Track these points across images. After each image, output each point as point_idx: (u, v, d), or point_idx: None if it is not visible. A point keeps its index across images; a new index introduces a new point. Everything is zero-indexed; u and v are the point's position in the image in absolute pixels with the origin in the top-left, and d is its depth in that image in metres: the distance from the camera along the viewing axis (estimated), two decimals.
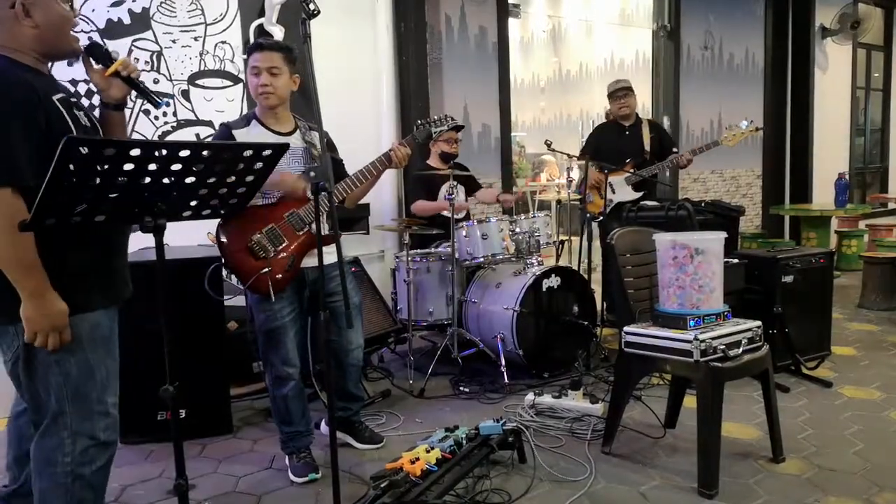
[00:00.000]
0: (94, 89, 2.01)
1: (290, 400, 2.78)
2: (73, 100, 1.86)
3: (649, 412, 3.23)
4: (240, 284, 2.70)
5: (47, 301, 1.70)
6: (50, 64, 1.94)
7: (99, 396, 1.85)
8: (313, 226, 2.65)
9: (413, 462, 2.42)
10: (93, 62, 1.90)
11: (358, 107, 4.88)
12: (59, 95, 1.80)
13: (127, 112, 2.00)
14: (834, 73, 8.37)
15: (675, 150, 5.00)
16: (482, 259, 3.98)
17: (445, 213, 4.03)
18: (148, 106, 4.07)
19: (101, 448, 1.87)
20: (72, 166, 1.46)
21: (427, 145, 4.46)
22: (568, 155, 4.81)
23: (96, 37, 3.93)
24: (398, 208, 5.09)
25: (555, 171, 9.25)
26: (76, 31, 1.90)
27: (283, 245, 2.67)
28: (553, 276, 3.95)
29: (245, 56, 2.58)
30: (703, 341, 2.50)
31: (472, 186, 4.66)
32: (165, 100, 3.92)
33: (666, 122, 6.95)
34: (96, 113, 2.01)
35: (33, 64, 1.81)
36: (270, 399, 2.86)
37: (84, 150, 1.45)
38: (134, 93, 1.95)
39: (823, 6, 8.03)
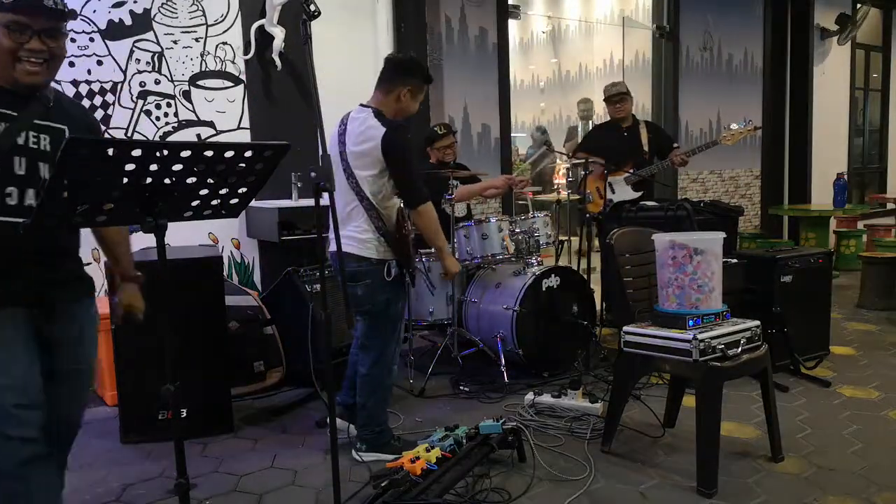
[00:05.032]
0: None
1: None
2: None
3: (648, 411, 3.24)
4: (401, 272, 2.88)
5: None
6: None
7: None
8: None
9: (413, 461, 2.43)
10: None
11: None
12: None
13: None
14: (832, 73, 8.38)
15: (675, 145, 4.97)
16: (482, 259, 3.99)
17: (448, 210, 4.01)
18: (149, 106, 4.09)
19: (13, 444, 1.80)
20: (73, 167, 1.46)
21: (425, 149, 4.46)
22: (568, 155, 4.82)
23: (98, 38, 3.94)
24: None
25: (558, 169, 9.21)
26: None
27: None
28: (553, 275, 3.95)
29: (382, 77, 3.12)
30: (702, 341, 2.51)
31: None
32: None
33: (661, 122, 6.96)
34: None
35: None
36: (379, 389, 2.87)
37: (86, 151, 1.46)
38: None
39: (822, 7, 8.04)
